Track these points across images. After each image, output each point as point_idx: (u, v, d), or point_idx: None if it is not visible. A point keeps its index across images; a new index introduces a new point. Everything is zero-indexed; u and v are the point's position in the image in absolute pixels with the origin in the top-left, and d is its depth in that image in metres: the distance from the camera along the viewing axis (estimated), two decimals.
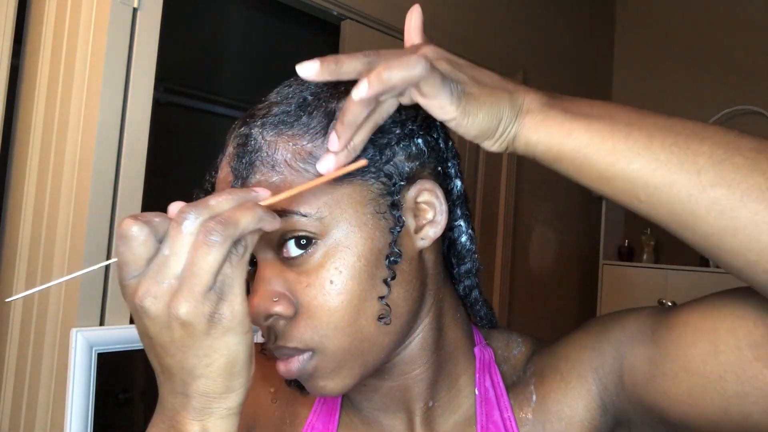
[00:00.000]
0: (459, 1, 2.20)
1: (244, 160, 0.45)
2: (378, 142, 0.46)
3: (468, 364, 0.53)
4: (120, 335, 1.13)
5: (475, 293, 0.56)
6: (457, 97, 0.41)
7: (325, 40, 2.03)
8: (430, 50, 0.43)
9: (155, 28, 1.23)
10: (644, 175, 0.38)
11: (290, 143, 0.45)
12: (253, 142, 0.45)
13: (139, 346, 1.19)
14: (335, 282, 0.43)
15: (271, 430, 0.56)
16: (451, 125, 0.42)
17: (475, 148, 2.26)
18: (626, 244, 2.98)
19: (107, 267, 1.16)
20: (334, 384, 0.46)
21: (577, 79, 2.93)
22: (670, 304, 2.55)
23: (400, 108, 0.45)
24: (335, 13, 1.75)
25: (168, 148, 1.85)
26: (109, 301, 1.17)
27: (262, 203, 0.39)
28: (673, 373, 0.43)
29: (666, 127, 0.39)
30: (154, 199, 1.29)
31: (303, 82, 0.48)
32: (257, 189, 0.40)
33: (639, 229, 3.01)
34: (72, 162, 1.17)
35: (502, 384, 0.53)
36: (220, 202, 0.37)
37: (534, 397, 0.51)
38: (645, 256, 2.93)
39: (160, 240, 0.36)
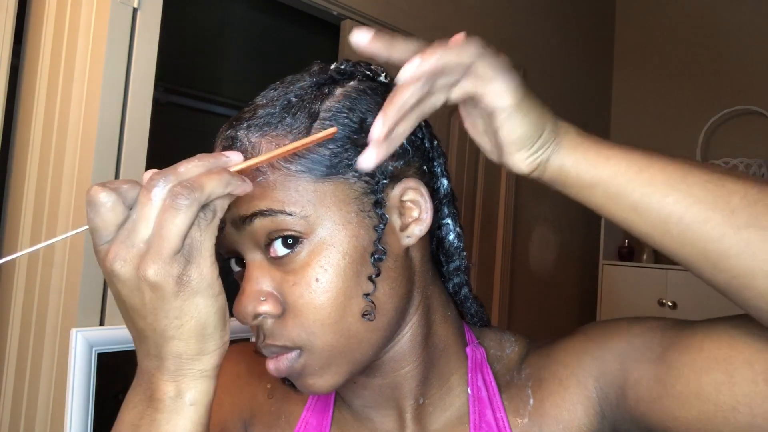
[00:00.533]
0: (459, 1, 2.20)
1: None
2: (360, 141, 0.46)
3: (460, 362, 0.54)
4: (120, 335, 1.12)
5: (465, 291, 0.57)
6: (515, 86, 0.40)
7: (325, 40, 2.03)
8: (480, 39, 0.41)
9: (155, 28, 1.23)
10: (679, 210, 0.38)
11: (273, 143, 0.45)
12: (238, 144, 0.46)
13: None
14: (321, 280, 0.44)
15: (267, 425, 0.56)
16: (502, 116, 0.41)
17: (475, 149, 2.25)
18: (626, 244, 2.98)
19: None
20: (323, 381, 0.46)
21: (577, 79, 2.93)
22: (670, 304, 2.55)
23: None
24: (335, 13, 1.75)
25: (168, 148, 1.85)
26: (109, 301, 1.17)
27: (233, 168, 0.40)
28: (684, 397, 0.43)
29: (698, 165, 0.40)
30: None
31: (288, 85, 0.48)
32: (228, 153, 0.40)
33: None
34: (72, 162, 1.17)
35: (494, 383, 0.53)
36: (189, 168, 0.37)
37: (531, 401, 0.51)
38: (645, 256, 2.93)
39: (130, 206, 0.37)
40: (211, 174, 0.38)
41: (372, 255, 0.46)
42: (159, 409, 0.38)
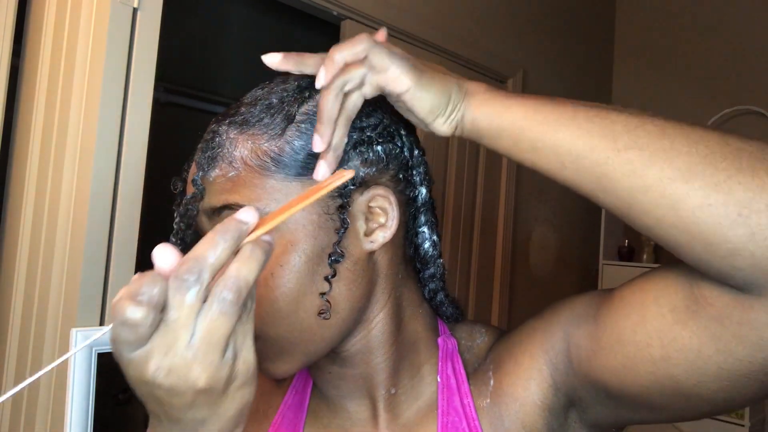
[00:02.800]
0: (459, 1, 2.20)
1: (206, 155, 0.49)
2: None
3: (431, 353, 0.56)
4: None
5: (440, 296, 0.59)
6: (408, 68, 0.45)
7: (325, 40, 2.03)
8: (368, 34, 0.47)
9: (155, 28, 1.23)
10: (568, 143, 0.42)
11: (249, 141, 0.48)
12: (218, 139, 0.49)
13: None
14: (275, 275, 0.46)
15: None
16: (406, 97, 0.46)
17: (475, 150, 2.26)
18: (626, 244, 2.98)
19: (107, 261, 1.16)
20: (275, 367, 0.49)
21: (577, 79, 2.93)
22: None
23: (361, 115, 0.49)
24: (335, 13, 1.75)
25: (168, 148, 1.85)
26: (109, 301, 1.17)
27: (249, 238, 0.37)
28: (609, 346, 0.46)
29: (590, 105, 0.44)
30: (154, 199, 1.29)
31: (274, 87, 0.51)
32: (242, 216, 0.37)
33: None
34: (72, 162, 1.17)
35: (463, 372, 0.55)
36: (219, 256, 0.34)
37: (491, 382, 0.53)
38: (645, 256, 2.93)
39: (160, 307, 0.34)
40: (248, 261, 0.35)
41: (330, 256, 0.48)
42: None
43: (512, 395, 0.52)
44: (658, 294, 0.43)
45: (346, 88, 0.45)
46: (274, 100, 0.49)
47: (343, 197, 0.48)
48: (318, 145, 0.45)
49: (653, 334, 0.42)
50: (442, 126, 0.47)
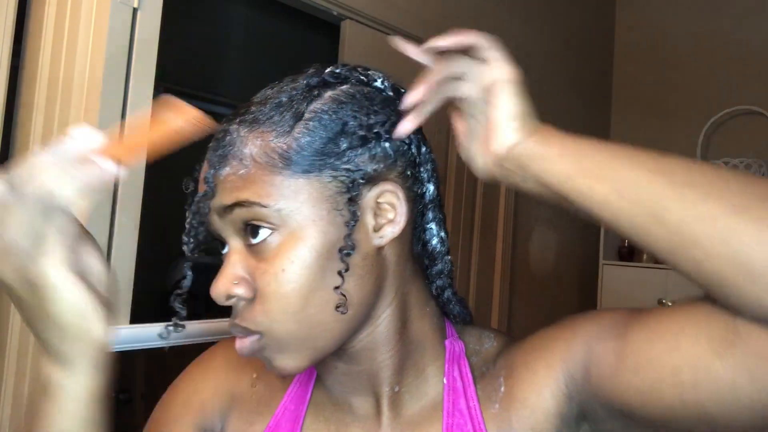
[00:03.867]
0: (459, 2, 2.20)
1: (218, 153, 0.49)
2: (340, 143, 0.49)
3: (437, 354, 0.56)
4: (120, 335, 1.12)
5: (448, 293, 0.59)
6: (511, 64, 0.50)
7: (325, 40, 2.03)
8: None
9: (155, 28, 1.23)
10: (628, 172, 0.44)
11: (258, 139, 0.49)
12: (228, 137, 0.50)
13: (139, 345, 1.19)
14: (287, 271, 0.47)
15: (247, 411, 0.59)
16: (506, 87, 0.49)
17: None
18: (626, 244, 2.98)
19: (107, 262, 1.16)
20: (284, 364, 0.49)
21: (577, 80, 2.93)
22: (670, 304, 2.55)
23: (369, 111, 0.50)
24: (335, 13, 1.75)
25: None
26: None
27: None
28: (637, 366, 0.45)
29: (642, 149, 0.46)
30: (154, 199, 1.29)
31: (284, 85, 0.52)
32: (75, 131, 0.42)
33: None
34: None
35: (470, 375, 0.55)
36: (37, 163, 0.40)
37: (502, 388, 0.53)
38: (645, 256, 2.93)
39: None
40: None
41: (340, 250, 0.48)
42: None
43: (523, 402, 0.52)
44: (698, 321, 0.43)
45: (459, 77, 0.50)
46: (284, 99, 0.50)
47: (350, 191, 0.49)
48: (407, 99, 0.49)
49: (686, 360, 0.42)
50: (515, 132, 0.49)
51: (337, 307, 0.48)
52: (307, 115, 0.49)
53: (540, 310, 2.61)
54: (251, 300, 0.48)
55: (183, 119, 0.41)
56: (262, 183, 0.47)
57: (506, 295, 2.39)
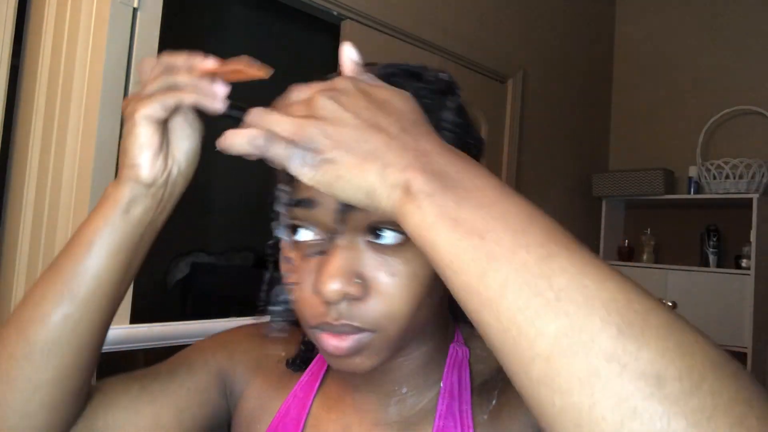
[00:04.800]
0: (459, 1, 2.20)
1: None
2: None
3: (441, 358, 0.56)
4: (120, 335, 1.12)
5: None
6: (309, 167, 0.38)
7: (325, 40, 2.03)
8: (319, 98, 0.39)
9: (155, 28, 1.23)
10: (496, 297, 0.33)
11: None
12: None
13: (138, 345, 1.19)
14: (419, 275, 0.46)
15: (268, 386, 0.62)
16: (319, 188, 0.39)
17: None
18: (626, 244, 2.98)
19: None
20: (370, 362, 0.48)
21: (577, 79, 2.93)
22: (670, 304, 2.55)
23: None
24: (335, 13, 1.75)
25: None
26: None
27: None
28: None
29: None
30: None
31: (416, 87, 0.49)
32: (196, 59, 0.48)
33: (639, 229, 3.01)
34: (72, 162, 1.17)
35: (468, 381, 0.55)
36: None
37: (494, 401, 0.53)
38: (645, 256, 2.93)
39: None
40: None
41: None
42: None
43: (508, 426, 0.51)
44: None
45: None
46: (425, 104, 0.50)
47: None
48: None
49: None
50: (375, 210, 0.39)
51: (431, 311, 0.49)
52: (443, 124, 0.48)
53: None
54: (359, 299, 0.45)
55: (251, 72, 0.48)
56: None
57: None
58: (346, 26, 1.79)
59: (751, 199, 2.52)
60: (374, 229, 0.45)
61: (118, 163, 0.47)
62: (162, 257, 2.71)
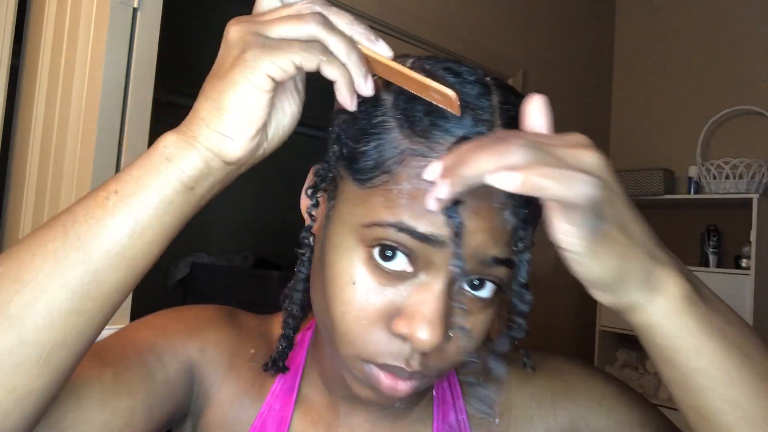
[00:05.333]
0: (459, 1, 2.20)
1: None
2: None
3: None
4: None
5: None
6: (593, 234, 0.34)
7: None
8: (602, 163, 0.34)
9: (155, 28, 1.23)
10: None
11: None
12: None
13: None
14: (486, 323, 0.43)
15: (242, 391, 0.53)
16: (566, 255, 0.36)
17: None
18: None
19: None
20: (406, 400, 0.45)
21: (577, 79, 2.93)
22: None
23: None
24: None
25: None
26: None
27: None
28: None
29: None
30: None
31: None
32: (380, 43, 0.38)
33: None
34: (72, 162, 1.17)
35: (458, 386, 0.54)
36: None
37: (497, 420, 0.53)
38: None
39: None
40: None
41: None
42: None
43: (515, 427, 0.52)
44: None
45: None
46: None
47: None
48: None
49: None
50: (598, 297, 0.38)
51: None
52: None
53: (540, 311, 2.61)
54: (442, 350, 0.42)
55: (440, 100, 0.38)
56: (508, 234, 0.41)
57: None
58: None
59: (751, 199, 2.52)
60: (483, 282, 0.42)
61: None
62: (162, 257, 2.71)
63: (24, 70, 1.28)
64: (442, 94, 0.36)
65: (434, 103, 0.38)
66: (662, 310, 0.36)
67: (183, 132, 0.37)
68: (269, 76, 0.34)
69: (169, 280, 2.68)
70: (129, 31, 1.19)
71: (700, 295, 0.38)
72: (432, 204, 0.36)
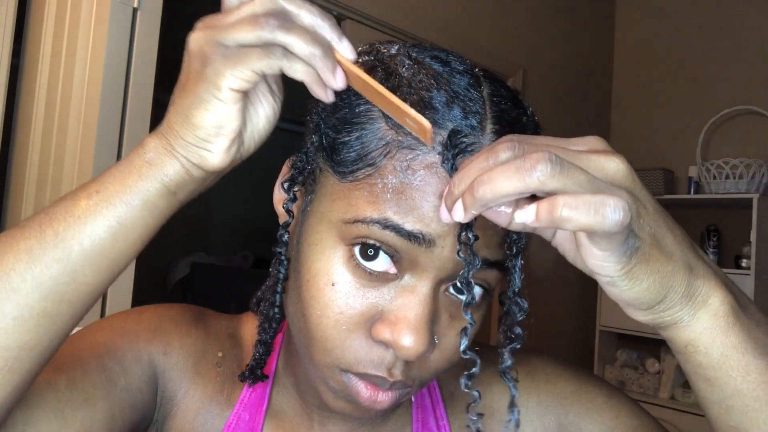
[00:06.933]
0: (459, 1, 2.20)
1: None
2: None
3: None
4: None
5: None
6: (628, 255, 0.32)
7: None
8: (625, 168, 0.32)
9: (155, 28, 1.23)
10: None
11: None
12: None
13: None
14: (472, 329, 0.40)
15: (208, 399, 0.49)
16: (602, 281, 0.34)
17: None
18: None
19: None
20: (387, 412, 0.44)
21: (577, 79, 2.93)
22: None
23: None
24: (335, 13, 1.75)
25: None
26: (109, 301, 1.17)
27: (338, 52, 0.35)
28: None
29: None
30: None
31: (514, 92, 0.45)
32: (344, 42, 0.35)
33: None
34: (72, 162, 1.17)
35: (438, 391, 0.52)
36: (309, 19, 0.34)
37: (472, 416, 0.52)
38: None
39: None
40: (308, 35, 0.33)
41: None
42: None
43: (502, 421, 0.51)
44: None
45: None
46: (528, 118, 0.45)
47: None
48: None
49: None
50: (637, 316, 0.36)
51: None
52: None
53: (540, 311, 2.61)
54: (427, 358, 0.40)
55: (413, 127, 0.35)
56: (500, 236, 0.40)
57: None
58: (346, 26, 1.79)
59: (751, 199, 2.52)
60: (461, 284, 0.38)
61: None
62: (162, 257, 2.71)
63: (24, 69, 1.28)
64: (418, 123, 0.34)
65: (408, 129, 0.36)
66: (706, 326, 0.35)
67: (162, 136, 0.36)
68: (232, 90, 0.33)
69: (169, 280, 2.68)
70: (129, 31, 1.19)
71: (741, 306, 0.36)
72: (445, 216, 0.34)
